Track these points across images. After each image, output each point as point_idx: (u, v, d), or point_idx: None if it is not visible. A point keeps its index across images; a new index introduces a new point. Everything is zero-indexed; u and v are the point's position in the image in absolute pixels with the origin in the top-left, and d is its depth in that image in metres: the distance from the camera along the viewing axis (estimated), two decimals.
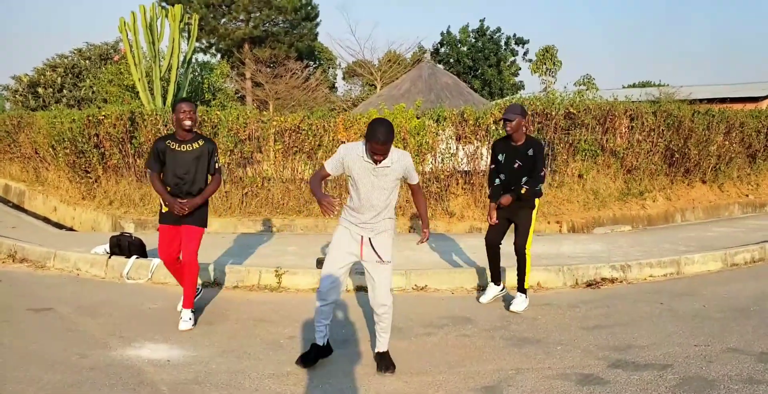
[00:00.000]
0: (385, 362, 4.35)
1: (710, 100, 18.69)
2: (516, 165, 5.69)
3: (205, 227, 5.58)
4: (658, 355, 4.50)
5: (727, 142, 12.46)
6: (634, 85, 44.51)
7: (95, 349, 4.74)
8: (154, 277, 7.05)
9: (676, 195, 12.00)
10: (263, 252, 8.14)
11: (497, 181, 5.87)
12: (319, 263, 6.95)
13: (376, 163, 4.12)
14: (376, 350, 4.47)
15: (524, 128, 5.68)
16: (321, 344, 4.45)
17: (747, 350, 4.54)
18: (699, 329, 5.08)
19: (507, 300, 6.07)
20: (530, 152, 5.65)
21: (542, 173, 5.72)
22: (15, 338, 4.97)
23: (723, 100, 21.48)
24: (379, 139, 3.96)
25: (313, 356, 4.39)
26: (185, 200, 5.36)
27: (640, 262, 7.13)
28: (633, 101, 12.63)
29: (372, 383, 4.08)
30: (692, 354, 4.48)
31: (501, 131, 9.89)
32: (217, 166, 5.53)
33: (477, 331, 5.25)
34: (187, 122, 5.28)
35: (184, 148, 5.37)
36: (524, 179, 5.66)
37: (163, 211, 5.46)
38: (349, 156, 4.19)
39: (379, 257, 4.30)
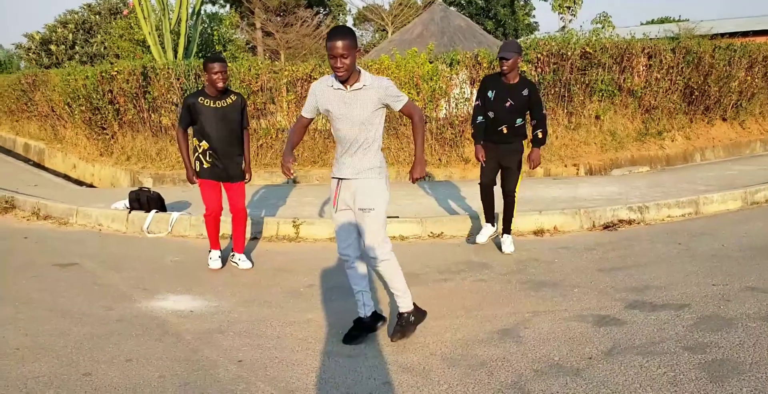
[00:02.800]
0: (397, 326, 3.97)
1: (732, 35, 18.14)
2: (507, 104, 5.60)
3: (245, 178, 5.76)
4: (676, 295, 4.52)
5: (749, 78, 12.14)
6: (652, 22, 43.20)
7: (121, 302, 4.86)
8: (174, 230, 7.16)
9: (695, 134, 11.81)
10: (280, 203, 8.21)
11: (480, 118, 5.77)
12: None
13: (344, 84, 3.70)
14: (397, 312, 4.04)
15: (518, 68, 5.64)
16: (362, 315, 4.05)
17: (766, 288, 4.53)
18: (717, 269, 5.08)
19: (497, 244, 6.16)
20: (525, 92, 5.57)
21: (543, 112, 5.69)
22: (44, 292, 5.11)
23: (746, 34, 20.83)
24: (332, 37, 3.53)
25: (354, 333, 4.00)
26: (244, 168, 5.66)
27: (657, 203, 7.08)
28: (651, 38, 12.29)
29: (390, 329, 4.16)
30: (710, 293, 4.50)
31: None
32: (248, 121, 5.70)
33: (493, 276, 5.30)
34: (220, 84, 5.34)
35: (218, 104, 5.44)
36: (519, 122, 5.63)
37: (205, 166, 5.54)
38: (320, 88, 3.84)
39: (360, 203, 3.81)
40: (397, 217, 6.81)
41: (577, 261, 5.60)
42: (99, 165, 12.32)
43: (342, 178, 3.88)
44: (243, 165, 5.73)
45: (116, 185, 11.47)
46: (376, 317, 4.09)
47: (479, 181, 5.98)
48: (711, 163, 11.15)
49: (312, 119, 4.07)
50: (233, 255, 5.87)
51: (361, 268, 4.03)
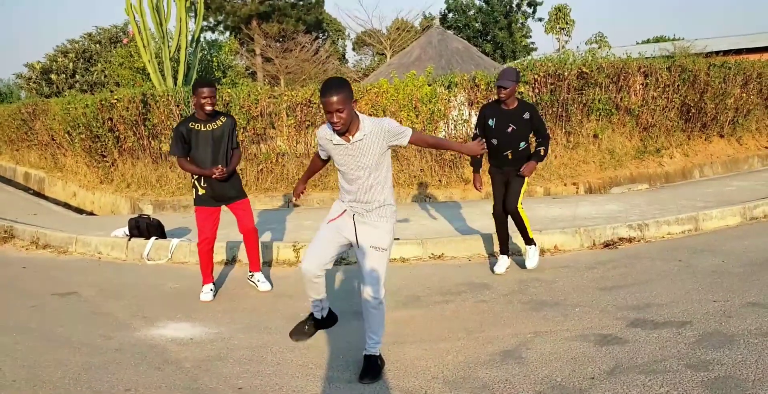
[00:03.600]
0: (366, 368, 3.79)
1: (726, 52, 18.30)
2: (509, 129, 5.64)
3: (246, 196, 5.80)
4: (677, 312, 4.50)
5: (744, 95, 12.21)
6: (648, 41, 43.58)
7: (120, 330, 4.84)
8: (174, 257, 7.14)
9: (693, 151, 11.83)
10: (280, 227, 8.20)
11: None
12: None
13: (345, 136, 3.62)
14: (364, 353, 3.87)
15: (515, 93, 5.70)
16: (318, 316, 4.21)
17: (767, 303, 4.51)
18: (718, 285, 5.06)
19: (520, 262, 6.12)
20: (526, 115, 5.62)
21: (547, 132, 5.74)
22: (41, 322, 5.08)
23: (739, 51, 20.99)
24: (324, 92, 3.44)
25: (308, 330, 4.23)
26: (219, 167, 5.41)
27: (657, 220, 7.07)
28: (647, 57, 12.39)
29: (392, 352, 4.13)
30: (711, 310, 4.47)
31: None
32: (237, 141, 5.72)
33: (494, 296, 5.27)
34: (209, 107, 5.38)
35: (208, 127, 5.47)
36: (523, 145, 5.65)
37: (200, 194, 5.55)
38: (322, 140, 3.78)
39: (372, 241, 3.76)
40: (398, 238, 6.79)
41: (578, 280, 5.57)
42: (99, 193, 12.34)
43: (354, 214, 3.85)
44: (241, 184, 5.77)
45: (116, 213, 11.47)
46: (332, 316, 4.30)
47: (492, 212, 5.97)
48: (710, 179, 11.15)
49: (327, 161, 4.08)
50: (252, 275, 5.92)
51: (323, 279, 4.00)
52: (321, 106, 3.51)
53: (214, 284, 5.79)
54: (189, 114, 10.77)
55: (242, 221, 5.72)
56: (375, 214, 3.79)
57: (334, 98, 3.42)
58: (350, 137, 3.62)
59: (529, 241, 5.91)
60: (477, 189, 5.94)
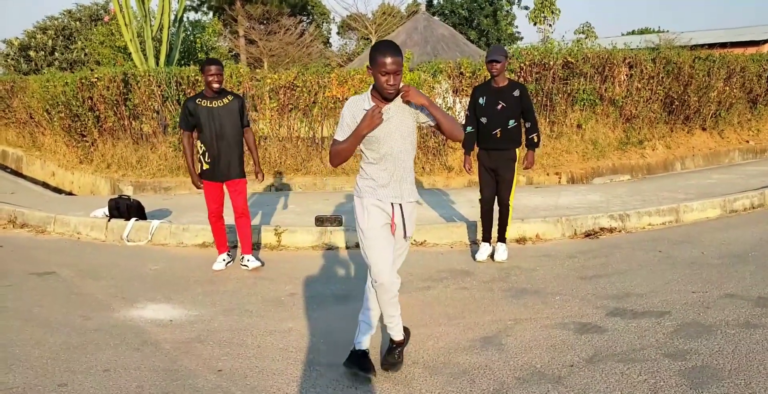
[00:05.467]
0: (392, 358, 3.66)
1: (711, 46, 18.39)
2: (499, 106, 5.64)
3: (245, 177, 5.92)
4: (656, 302, 4.54)
5: (727, 88, 12.31)
6: (633, 33, 43.74)
7: (98, 311, 4.79)
8: (154, 238, 7.08)
9: (675, 143, 11.93)
10: (262, 211, 8.15)
11: (470, 128, 5.82)
12: (318, 220, 6.96)
13: (384, 104, 3.41)
14: (390, 338, 3.74)
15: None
16: (365, 347, 3.65)
17: (744, 295, 4.57)
18: (697, 276, 5.11)
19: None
20: (516, 93, 5.64)
21: (535, 115, 5.80)
22: (18, 301, 5.02)
23: (723, 45, 21.14)
24: (387, 52, 3.25)
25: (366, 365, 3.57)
26: (258, 175, 5.95)
27: (638, 211, 7.13)
28: (632, 49, 12.43)
29: (373, 337, 4.11)
30: (690, 301, 4.52)
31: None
32: (248, 120, 5.92)
33: (476, 283, 5.29)
34: (215, 84, 5.62)
35: (215, 103, 5.67)
36: (512, 123, 5.67)
37: (204, 168, 5.74)
38: (357, 112, 3.42)
39: (405, 231, 3.60)
40: None
41: (559, 269, 5.61)
42: (78, 173, 12.18)
43: (402, 204, 3.55)
44: (242, 164, 5.88)
45: (96, 193, 11.34)
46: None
47: (480, 197, 5.98)
48: (691, 171, 11.26)
49: None
50: (242, 258, 5.99)
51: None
52: (373, 67, 3.29)
53: (228, 254, 6.06)
54: (170, 95, 10.71)
55: (235, 201, 5.85)
56: (408, 193, 3.55)
57: (398, 59, 3.26)
58: (389, 105, 3.44)
59: (503, 237, 5.99)
60: (467, 171, 6.00)
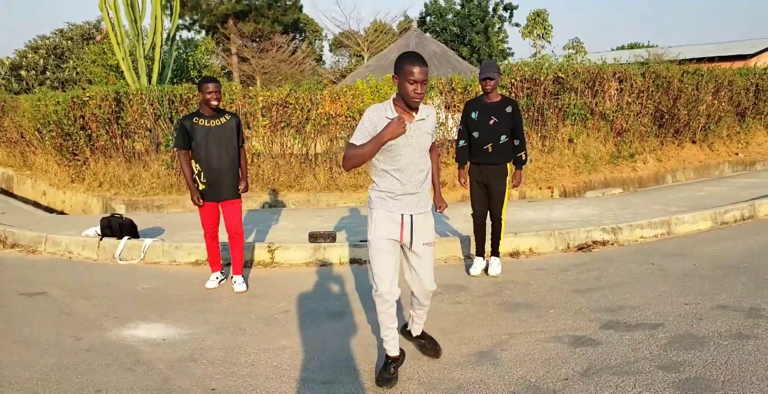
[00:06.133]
0: (431, 343, 4.05)
1: (699, 60, 18.62)
2: (491, 121, 5.67)
3: (240, 197, 5.87)
4: (649, 314, 4.55)
5: (716, 102, 12.43)
6: (622, 48, 44.19)
7: (90, 331, 4.75)
8: (147, 257, 7.05)
9: (666, 156, 12.00)
10: (256, 228, 8.14)
11: (462, 142, 5.87)
12: (312, 237, 6.96)
13: (408, 115, 3.51)
14: (414, 334, 4.06)
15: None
16: (394, 353, 3.76)
17: (736, 306, 4.58)
18: (689, 288, 5.13)
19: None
20: (508, 109, 5.66)
21: (524, 133, 5.81)
22: (9, 322, 4.97)
23: (712, 59, 21.38)
24: (415, 62, 3.34)
25: (390, 376, 3.68)
26: (242, 184, 5.80)
27: (630, 224, 7.15)
28: (622, 63, 12.54)
29: (368, 354, 4.11)
30: (683, 312, 4.53)
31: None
32: (243, 138, 5.87)
33: (470, 298, 5.29)
34: (214, 102, 5.54)
35: (213, 123, 5.60)
36: (504, 139, 5.68)
37: (200, 188, 5.67)
38: (377, 118, 3.48)
39: (411, 240, 3.65)
40: None
41: (553, 282, 5.61)
42: (70, 192, 12.14)
43: (412, 214, 3.64)
44: (238, 184, 5.80)
45: (88, 212, 11.30)
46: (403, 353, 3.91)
47: (472, 212, 6.00)
48: (682, 184, 11.32)
49: None
50: (232, 278, 5.95)
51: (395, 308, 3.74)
52: (400, 76, 3.38)
53: (222, 272, 6.04)
54: (163, 113, 10.72)
55: (228, 222, 5.79)
56: (424, 203, 3.66)
57: (425, 68, 3.36)
58: (414, 115, 3.55)
59: (497, 252, 6.00)
60: (461, 184, 6.01)
